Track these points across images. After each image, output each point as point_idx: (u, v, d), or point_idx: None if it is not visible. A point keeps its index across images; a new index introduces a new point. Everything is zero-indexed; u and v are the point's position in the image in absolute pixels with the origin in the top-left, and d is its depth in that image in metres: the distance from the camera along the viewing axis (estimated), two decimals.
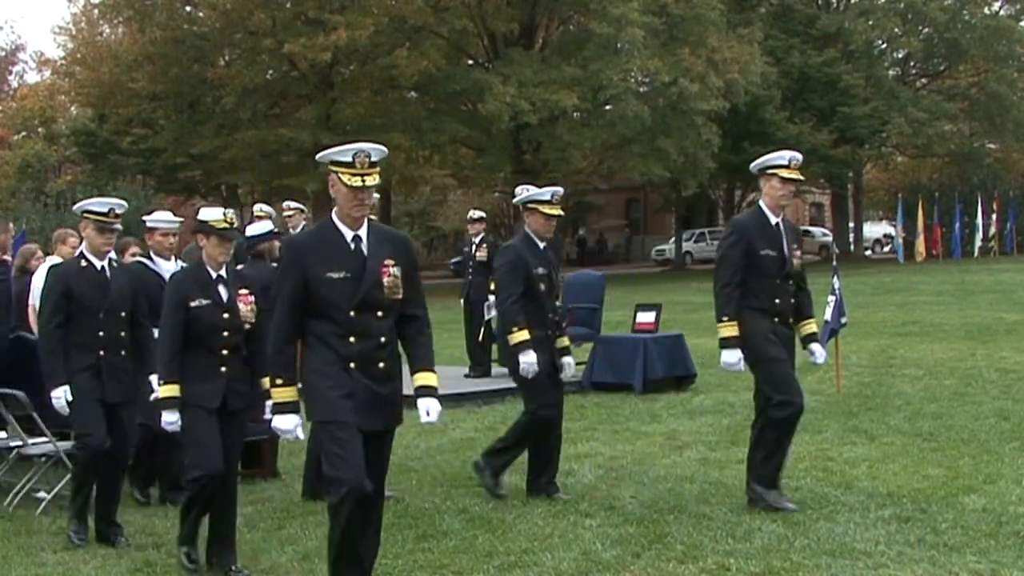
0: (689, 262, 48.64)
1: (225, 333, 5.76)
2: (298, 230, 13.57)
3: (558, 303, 7.63)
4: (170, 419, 5.71)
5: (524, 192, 7.86)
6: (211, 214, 5.78)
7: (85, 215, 6.56)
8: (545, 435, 7.27)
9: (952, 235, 41.75)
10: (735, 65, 35.17)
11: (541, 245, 7.27)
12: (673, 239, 50.24)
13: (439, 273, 43.95)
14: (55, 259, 9.87)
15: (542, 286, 7.17)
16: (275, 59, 35.54)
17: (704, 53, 34.66)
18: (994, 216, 43.08)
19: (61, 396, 6.38)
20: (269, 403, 5.38)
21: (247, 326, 5.83)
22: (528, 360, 6.97)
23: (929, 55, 46.04)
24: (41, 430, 7.64)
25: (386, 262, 4.72)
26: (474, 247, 13.41)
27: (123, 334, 6.53)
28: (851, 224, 48.81)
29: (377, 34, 33.20)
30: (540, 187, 8.00)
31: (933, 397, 10.81)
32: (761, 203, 6.88)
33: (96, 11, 39.25)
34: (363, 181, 4.63)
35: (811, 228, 55.83)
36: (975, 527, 6.06)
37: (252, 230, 8.70)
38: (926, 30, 44.53)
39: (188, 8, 37.19)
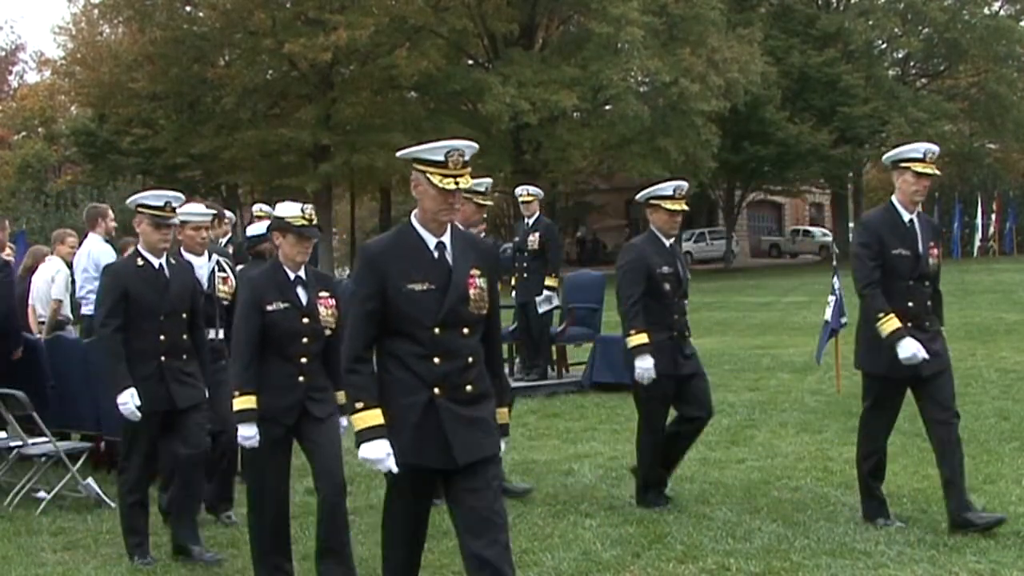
0: (689, 262, 48.53)
1: (304, 339, 5.28)
2: None
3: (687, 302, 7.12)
4: (247, 434, 5.19)
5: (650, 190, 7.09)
6: (288, 210, 5.36)
7: (139, 209, 6.05)
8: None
9: (952, 235, 41.76)
10: (735, 65, 35.18)
11: (667, 242, 6.87)
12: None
13: None
14: (55, 259, 9.89)
15: (667, 286, 6.75)
16: (275, 59, 35.56)
17: (704, 53, 34.68)
18: (994, 216, 43.09)
19: (128, 401, 5.90)
20: (343, 421, 5.16)
21: (327, 332, 5.35)
22: (644, 365, 6.60)
23: (929, 55, 46.06)
24: (41, 430, 7.64)
25: (472, 272, 4.18)
26: None
27: (184, 337, 6.14)
28: (851, 224, 48.77)
29: (377, 34, 33.23)
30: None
31: None
32: (893, 199, 6.31)
33: (96, 11, 39.28)
34: (456, 183, 4.07)
35: (811, 228, 55.92)
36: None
37: (252, 230, 8.68)
38: (926, 30, 44.55)
39: (188, 8, 37.21)
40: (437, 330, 4.10)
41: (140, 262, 6.07)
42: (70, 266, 9.83)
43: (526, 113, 33.06)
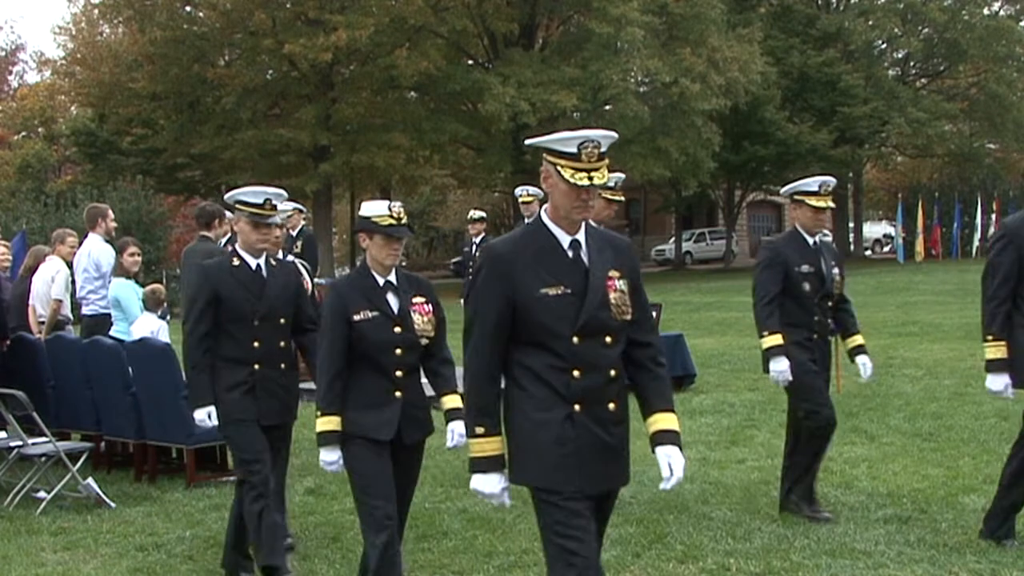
0: (689, 262, 48.66)
1: (398, 351, 4.71)
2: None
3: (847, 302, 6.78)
4: (329, 459, 4.72)
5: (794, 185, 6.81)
6: (374, 208, 4.76)
7: (238, 206, 5.57)
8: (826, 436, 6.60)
9: (952, 235, 41.80)
10: (735, 64, 35.20)
11: (811, 240, 6.55)
12: (673, 239, 50.28)
13: (439, 273, 43.98)
14: (56, 259, 9.89)
15: (806, 285, 6.44)
16: (275, 59, 35.56)
17: (704, 53, 34.68)
18: (994, 216, 43.10)
19: (205, 418, 5.46)
20: (453, 433, 4.79)
21: (424, 341, 4.79)
22: (778, 368, 6.32)
23: (929, 55, 46.07)
24: (41, 430, 7.65)
25: (611, 273, 3.69)
26: (474, 247, 13.40)
27: (282, 344, 5.61)
28: (851, 224, 48.82)
29: (377, 34, 33.23)
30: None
31: (933, 397, 10.81)
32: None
33: (96, 11, 39.28)
34: (590, 178, 3.63)
35: None
36: (975, 527, 6.05)
37: None
38: (926, 30, 44.58)
39: (188, 8, 37.21)
40: (575, 339, 3.61)
41: (236, 262, 5.58)
42: (70, 266, 9.83)
43: (526, 113, 33.06)
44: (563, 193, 3.66)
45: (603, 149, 3.69)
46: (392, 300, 4.77)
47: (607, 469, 3.68)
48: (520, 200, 11.94)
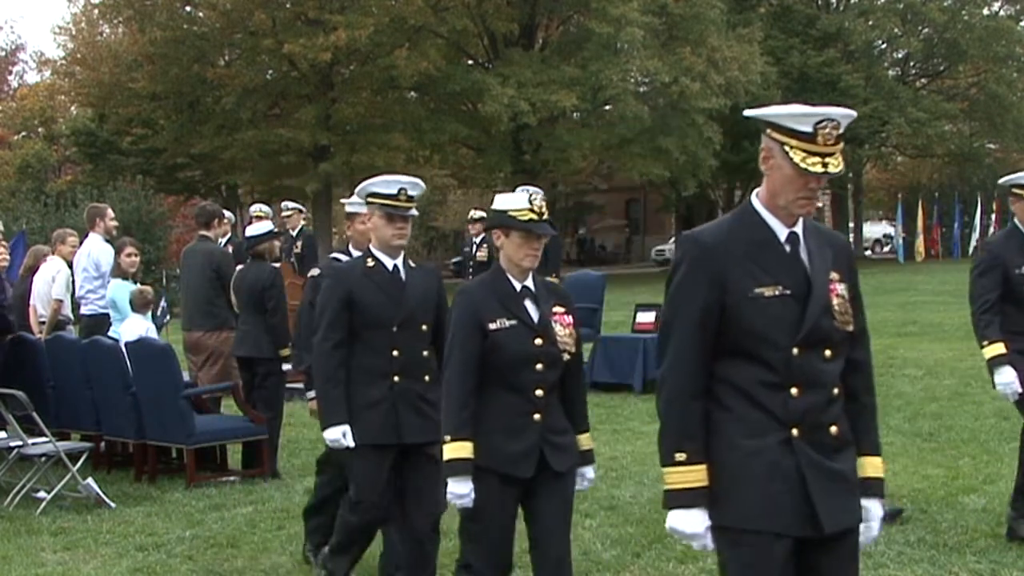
0: None
1: (538, 366, 4.07)
2: (296, 230, 13.59)
3: None
4: (460, 491, 3.98)
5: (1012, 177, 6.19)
6: (511, 201, 4.15)
7: (369, 200, 5.02)
8: None
9: (952, 235, 41.81)
10: (735, 64, 35.22)
11: None
12: (673, 239, 50.25)
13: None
14: (56, 259, 9.90)
15: None
16: (275, 59, 35.54)
17: (704, 52, 34.69)
18: (994, 216, 43.09)
19: (338, 437, 4.91)
20: (584, 476, 4.25)
21: (566, 356, 4.16)
22: (1003, 380, 5.79)
23: (929, 55, 46.06)
24: (41, 430, 7.65)
25: (832, 275, 3.16)
26: (474, 247, 13.42)
27: (424, 353, 5.04)
28: (851, 224, 48.81)
29: (377, 34, 33.21)
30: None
31: (933, 397, 10.81)
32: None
33: (96, 11, 39.25)
34: (824, 164, 3.05)
35: None
36: (975, 527, 6.05)
37: (252, 230, 8.70)
38: (926, 30, 44.56)
39: (188, 8, 37.19)
40: (796, 351, 3.04)
41: (370, 263, 5.03)
42: (71, 266, 9.83)
43: (526, 113, 33.05)
44: (787, 179, 3.10)
45: (841, 130, 3.12)
46: (531, 308, 4.14)
47: (835, 502, 3.07)
48: None
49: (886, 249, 52.72)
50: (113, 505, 7.42)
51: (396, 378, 4.96)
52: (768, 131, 3.15)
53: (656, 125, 34.95)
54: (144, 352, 8.27)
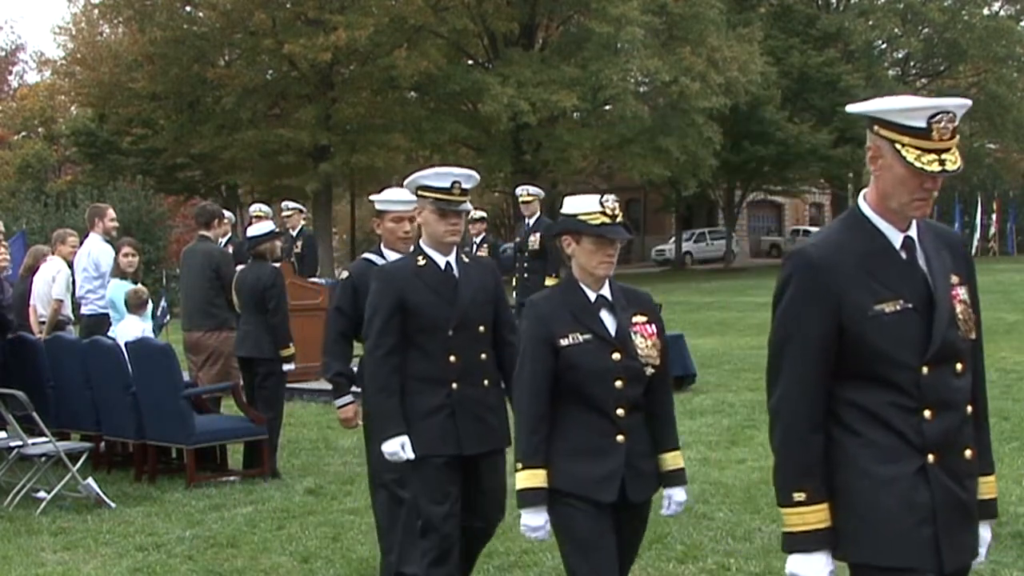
0: (689, 262, 48.67)
1: (618, 382, 3.67)
2: (296, 230, 13.60)
3: None
4: (534, 523, 3.64)
5: None
6: (582, 204, 3.75)
7: (420, 192, 4.67)
8: None
9: None
10: (735, 64, 35.25)
11: None
12: (673, 239, 50.29)
13: None
14: (56, 259, 9.90)
15: None
16: (275, 59, 35.58)
17: (704, 52, 34.72)
18: (994, 216, 43.14)
19: (397, 450, 4.54)
20: (671, 500, 3.88)
21: (649, 371, 3.74)
22: None
23: (929, 55, 46.11)
24: (41, 430, 7.65)
25: (952, 279, 2.88)
26: (474, 247, 13.41)
27: (483, 356, 4.66)
28: None
29: (377, 34, 33.23)
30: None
31: None
32: None
33: (96, 11, 39.31)
34: (941, 162, 2.74)
35: (811, 228, 55.92)
36: None
37: (253, 230, 8.70)
38: (926, 30, 44.62)
39: (188, 8, 37.22)
40: (925, 369, 2.78)
41: (421, 261, 4.65)
42: (71, 266, 9.83)
43: (526, 113, 33.07)
44: (899, 180, 2.77)
45: (956, 122, 2.76)
46: (608, 319, 3.74)
47: (959, 540, 2.85)
48: (520, 200, 11.95)
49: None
50: (113, 505, 7.42)
51: (454, 385, 4.59)
52: (875, 128, 2.79)
53: (656, 125, 34.98)
54: (144, 352, 8.27)
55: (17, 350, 8.59)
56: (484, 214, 14.22)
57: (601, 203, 3.71)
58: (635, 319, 3.78)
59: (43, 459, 7.62)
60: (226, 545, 6.38)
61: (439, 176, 4.64)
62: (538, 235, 11.73)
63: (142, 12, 35.79)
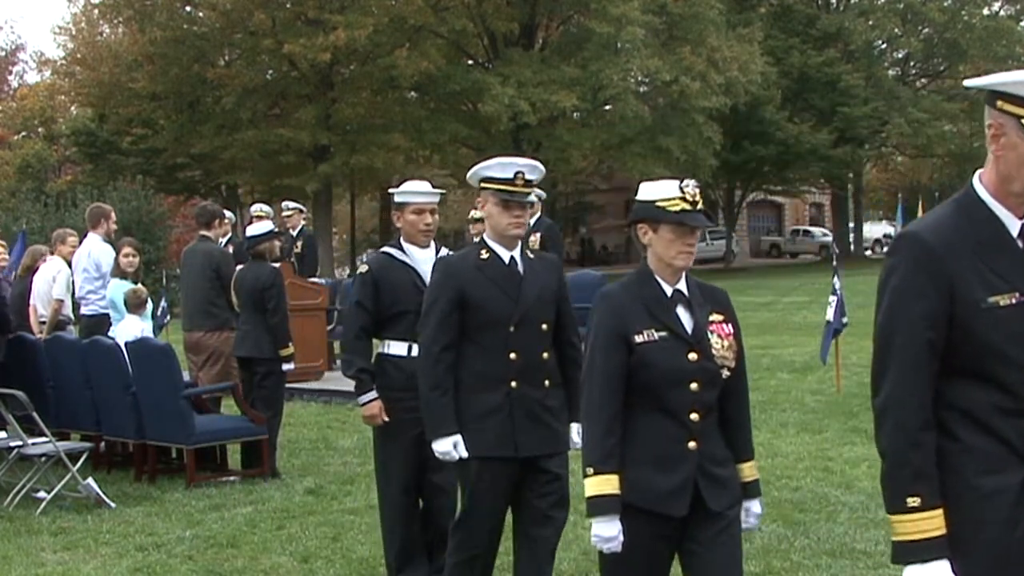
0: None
1: (693, 385, 3.37)
2: (296, 230, 13.60)
3: None
4: (607, 533, 3.29)
5: None
6: (659, 190, 3.45)
7: (483, 184, 4.48)
8: None
9: None
10: (735, 64, 35.26)
11: None
12: None
13: None
14: (56, 259, 9.90)
15: None
16: (275, 59, 35.58)
17: (704, 52, 34.73)
18: None
19: (449, 449, 4.37)
20: (750, 512, 3.55)
21: (726, 372, 3.44)
22: None
23: (929, 55, 46.14)
24: (41, 430, 7.65)
25: None
26: None
27: (544, 355, 4.47)
28: (851, 224, 48.86)
29: (377, 34, 33.23)
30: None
31: None
32: None
33: (96, 11, 39.31)
34: None
35: (811, 228, 55.96)
36: None
37: (252, 230, 8.70)
38: (926, 30, 44.63)
39: (188, 8, 37.23)
40: None
41: (484, 254, 4.46)
42: (70, 266, 9.83)
43: (526, 113, 33.08)
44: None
45: None
46: (684, 316, 3.43)
47: None
48: None
49: (886, 249, 52.81)
50: (113, 505, 7.42)
51: (513, 384, 4.38)
52: (998, 103, 2.54)
53: (656, 125, 34.99)
54: (144, 352, 8.27)
55: (17, 350, 8.59)
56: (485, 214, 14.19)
57: (681, 188, 3.42)
58: (712, 317, 3.48)
59: (43, 459, 7.62)
60: (226, 545, 6.37)
61: (502, 166, 4.44)
62: (539, 235, 11.71)
63: (142, 12, 35.79)
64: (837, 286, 11.00)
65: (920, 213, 40.50)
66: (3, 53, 57.81)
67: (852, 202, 49.27)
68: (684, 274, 3.46)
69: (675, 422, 3.36)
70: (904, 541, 2.55)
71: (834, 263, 12.03)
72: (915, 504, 2.53)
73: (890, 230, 51.49)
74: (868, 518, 6.38)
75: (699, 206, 3.42)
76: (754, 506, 3.56)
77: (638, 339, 3.36)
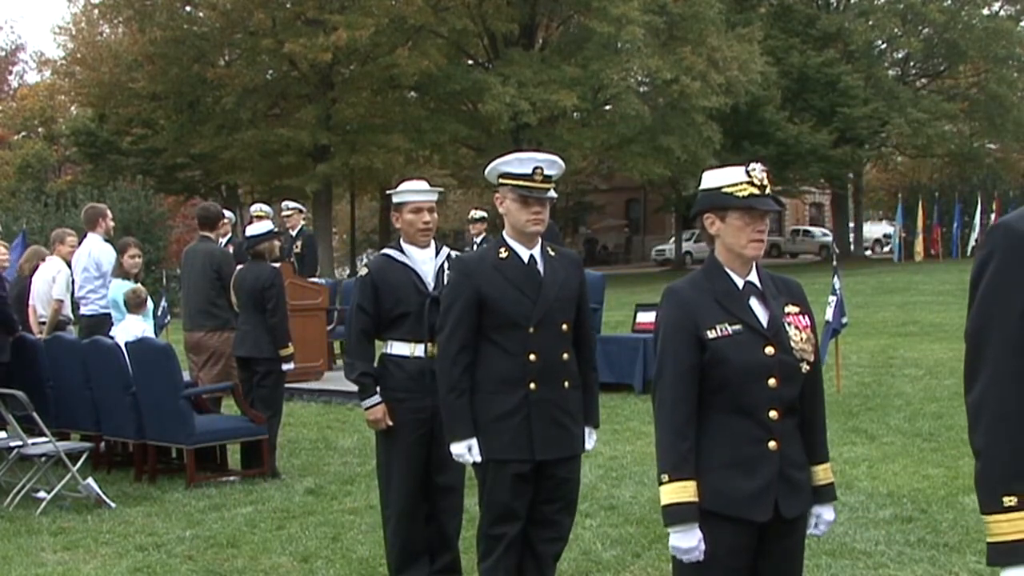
0: (689, 262, 48.65)
1: (771, 381, 3.17)
2: (296, 230, 13.62)
3: None
4: (685, 544, 3.14)
5: None
6: (725, 176, 3.26)
7: (502, 180, 4.37)
8: None
9: (952, 235, 41.86)
10: (735, 64, 35.27)
11: None
12: (673, 239, 50.31)
13: None
14: (56, 259, 9.90)
15: None
16: (275, 59, 35.57)
17: (704, 52, 34.74)
18: (993, 216, 43.09)
19: (464, 452, 4.33)
20: (820, 518, 3.35)
21: (804, 367, 3.25)
22: None
23: (929, 55, 46.11)
24: (41, 430, 7.65)
25: None
26: (475, 247, 13.42)
27: (564, 356, 4.38)
28: (851, 224, 48.85)
29: (377, 34, 33.22)
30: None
31: (933, 397, 10.81)
32: None
33: (96, 11, 39.28)
34: None
35: (811, 228, 55.96)
36: (975, 527, 6.05)
37: (252, 230, 8.70)
38: (926, 30, 44.62)
39: (188, 8, 37.21)
40: None
41: (503, 253, 4.37)
42: (70, 266, 9.83)
43: (526, 113, 33.08)
44: None
45: None
46: (758, 308, 3.24)
47: None
48: None
49: (886, 249, 52.81)
50: (113, 505, 7.42)
51: (532, 386, 4.30)
52: None
53: (656, 124, 34.99)
54: (144, 352, 8.27)
55: (17, 350, 8.59)
56: (485, 214, 14.20)
57: (748, 172, 3.22)
58: (787, 308, 3.28)
59: (43, 459, 7.62)
60: (226, 545, 6.38)
61: (520, 162, 4.35)
62: None
63: (142, 12, 35.78)
64: (837, 286, 11.01)
65: (920, 213, 40.69)
66: (3, 53, 57.82)
67: (852, 202, 49.26)
68: (755, 264, 3.29)
69: (753, 421, 3.17)
70: (999, 542, 2.43)
71: (834, 263, 12.03)
72: (1012, 503, 2.41)
73: (890, 230, 51.49)
74: (868, 518, 6.38)
75: (767, 190, 3.23)
76: (826, 512, 3.36)
77: (710, 335, 3.17)
